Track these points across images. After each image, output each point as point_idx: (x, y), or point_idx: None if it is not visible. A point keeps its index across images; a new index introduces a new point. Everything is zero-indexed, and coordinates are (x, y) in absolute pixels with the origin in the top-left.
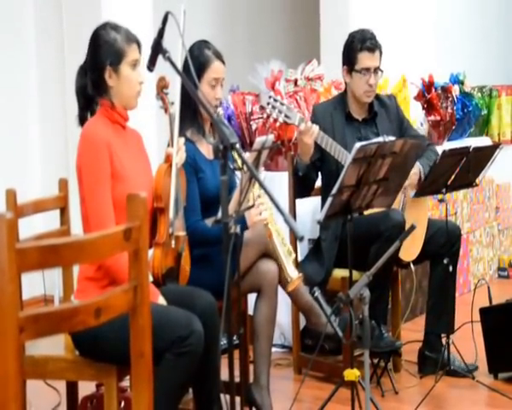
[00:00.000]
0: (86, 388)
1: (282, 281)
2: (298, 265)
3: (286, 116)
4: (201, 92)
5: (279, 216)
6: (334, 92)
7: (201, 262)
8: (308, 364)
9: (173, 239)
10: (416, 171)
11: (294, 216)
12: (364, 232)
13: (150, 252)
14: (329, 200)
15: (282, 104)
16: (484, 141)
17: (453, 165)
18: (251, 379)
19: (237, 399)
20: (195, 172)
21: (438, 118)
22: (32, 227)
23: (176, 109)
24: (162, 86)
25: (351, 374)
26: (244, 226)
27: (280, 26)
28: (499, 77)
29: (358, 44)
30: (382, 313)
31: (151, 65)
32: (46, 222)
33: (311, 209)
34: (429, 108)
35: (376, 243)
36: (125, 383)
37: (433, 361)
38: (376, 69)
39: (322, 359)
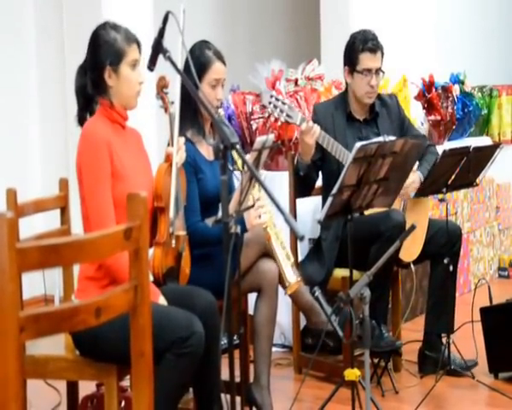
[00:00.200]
0: (86, 387)
1: (282, 282)
2: (298, 265)
3: (287, 116)
4: (202, 93)
5: (279, 216)
6: (335, 92)
7: (202, 262)
8: (308, 364)
9: (174, 239)
10: (416, 179)
11: (295, 216)
12: (365, 232)
13: (150, 251)
14: (330, 199)
15: (283, 104)
16: (484, 141)
17: (453, 165)
18: (251, 379)
19: (238, 399)
20: (195, 173)
21: (438, 118)
22: (32, 227)
23: (176, 109)
24: (162, 86)
25: (351, 374)
26: (244, 229)
27: (280, 26)
28: (499, 77)
29: (360, 45)
30: (383, 313)
31: (151, 64)
32: (46, 222)
33: (311, 209)
34: (429, 107)
35: (377, 242)
36: (126, 382)
37: (434, 361)
38: (378, 70)
39: (322, 358)
